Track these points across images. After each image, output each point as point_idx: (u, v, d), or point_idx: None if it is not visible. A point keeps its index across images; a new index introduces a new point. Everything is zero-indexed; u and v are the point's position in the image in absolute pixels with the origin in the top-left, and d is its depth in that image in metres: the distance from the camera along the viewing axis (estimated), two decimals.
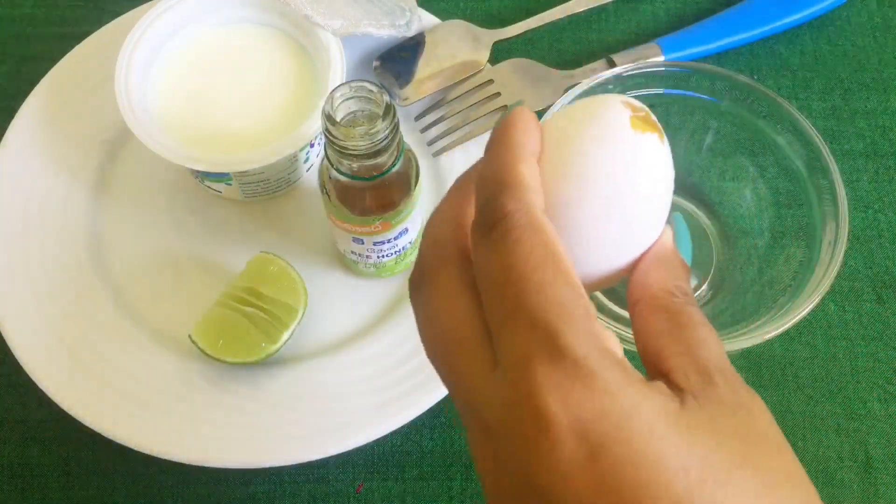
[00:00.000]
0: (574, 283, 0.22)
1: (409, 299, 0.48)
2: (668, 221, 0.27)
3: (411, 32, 0.53)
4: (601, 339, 0.22)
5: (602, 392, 0.21)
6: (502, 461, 0.22)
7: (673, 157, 0.28)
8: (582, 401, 0.20)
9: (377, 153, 0.38)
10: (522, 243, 0.22)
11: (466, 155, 0.52)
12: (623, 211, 0.25)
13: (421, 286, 0.25)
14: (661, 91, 0.42)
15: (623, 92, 0.40)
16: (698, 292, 0.47)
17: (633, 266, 0.26)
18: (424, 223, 0.44)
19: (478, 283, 0.23)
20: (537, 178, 0.24)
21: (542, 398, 0.21)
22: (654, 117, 0.26)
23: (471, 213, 0.25)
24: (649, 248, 0.26)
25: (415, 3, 0.54)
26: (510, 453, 0.22)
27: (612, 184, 0.25)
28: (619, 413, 0.21)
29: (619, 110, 0.25)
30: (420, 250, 0.26)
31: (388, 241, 0.44)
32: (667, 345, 0.23)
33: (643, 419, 0.21)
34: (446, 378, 0.24)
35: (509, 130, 0.25)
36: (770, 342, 0.45)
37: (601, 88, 0.39)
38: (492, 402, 0.22)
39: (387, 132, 0.37)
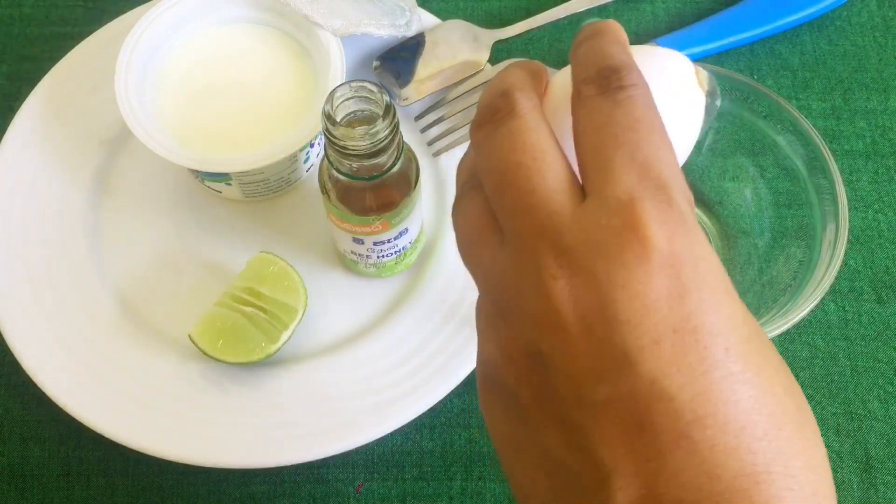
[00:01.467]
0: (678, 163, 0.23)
1: (408, 299, 0.49)
2: None
3: (411, 32, 0.53)
4: (694, 208, 0.23)
5: (697, 243, 0.22)
6: (578, 286, 0.21)
7: None
8: (680, 242, 0.21)
9: (377, 153, 0.38)
10: (647, 106, 0.23)
11: None
12: None
13: (501, 120, 0.24)
14: None
15: None
16: None
17: None
18: (424, 222, 0.44)
19: (581, 130, 0.23)
20: None
21: (646, 228, 0.21)
22: (707, 82, 0.28)
23: (540, 83, 0.26)
24: None
25: (415, 3, 0.54)
26: (593, 276, 0.21)
27: (671, 129, 0.26)
28: (709, 265, 0.22)
29: (687, 62, 0.27)
30: (491, 94, 0.25)
31: (388, 241, 0.44)
32: None
33: (726, 280, 0.22)
34: (520, 198, 0.23)
35: (615, 29, 0.26)
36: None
37: None
38: (580, 226, 0.22)
39: (387, 132, 0.37)
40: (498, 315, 0.24)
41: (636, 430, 0.21)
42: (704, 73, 0.27)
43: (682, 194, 0.22)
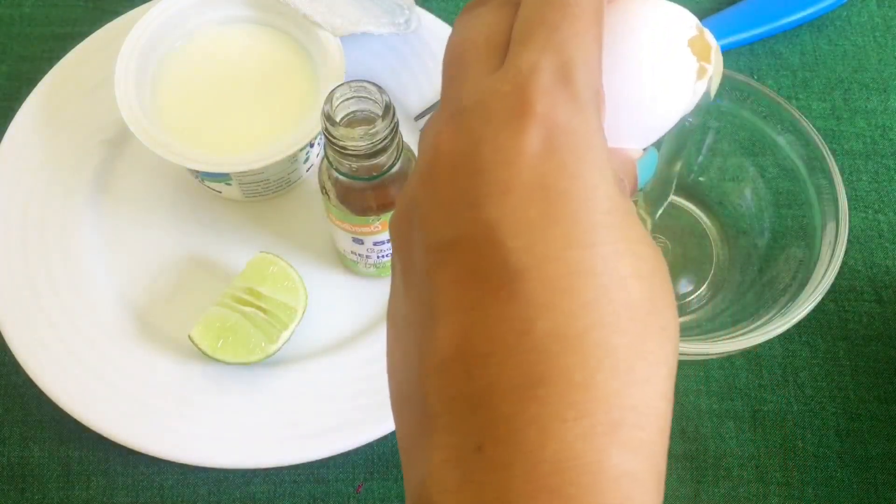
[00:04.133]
0: (601, 56, 0.23)
1: None
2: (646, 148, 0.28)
3: (410, 30, 0.53)
4: (601, 102, 0.23)
5: (581, 120, 0.21)
6: (456, 140, 0.22)
7: None
8: (563, 113, 0.21)
9: (377, 153, 0.38)
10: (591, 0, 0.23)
11: None
12: (625, 102, 0.26)
13: (467, 10, 0.25)
14: None
15: None
16: (698, 292, 0.47)
17: None
18: None
19: (523, 2, 0.24)
20: None
21: (532, 94, 0.21)
22: (714, 56, 0.26)
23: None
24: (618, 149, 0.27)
25: (412, 2, 0.54)
26: (471, 128, 0.22)
27: (632, 71, 0.25)
28: (587, 140, 0.21)
29: (690, 22, 0.26)
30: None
31: (388, 241, 0.44)
32: None
33: (602, 160, 0.21)
34: (449, 69, 0.24)
35: None
36: (770, 342, 0.45)
37: None
38: (479, 90, 0.22)
39: (386, 132, 0.37)
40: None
41: (468, 275, 0.21)
42: (707, 38, 0.26)
43: (586, 81, 0.22)
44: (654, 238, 0.49)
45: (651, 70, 0.25)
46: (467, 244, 0.21)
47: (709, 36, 0.26)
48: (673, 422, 0.47)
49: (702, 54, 0.26)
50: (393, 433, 0.44)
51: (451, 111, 0.23)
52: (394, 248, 0.24)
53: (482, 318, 0.21)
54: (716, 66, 0.27)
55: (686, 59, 0.26)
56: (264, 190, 0.50)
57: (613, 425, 0.20)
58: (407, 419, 0.22)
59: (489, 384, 0.20)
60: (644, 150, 0.27)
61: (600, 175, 0.21)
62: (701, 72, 0.26)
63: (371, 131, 0.37)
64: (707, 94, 0.27)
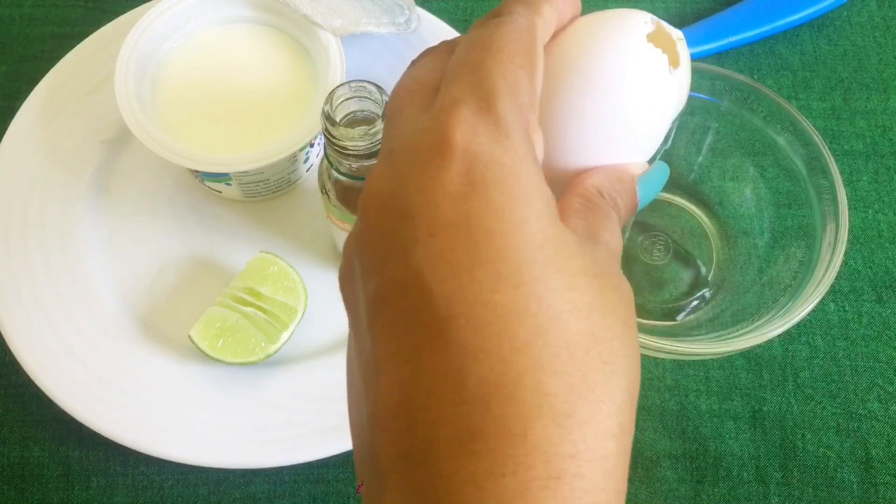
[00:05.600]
0: (534, 84, 0.22)
1: None
2: (651, 161, 0.27)
3: (411, 30, 0.53)
4: (532, 129, 0.22)
5: (505, 150, 0.21)
6: (384, 182, 0.22)
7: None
8: (485, 143, 0.21)
9: (377, 153, 0.38)
10: (512, 30, 0.23)
11: None
12: (603, 115, 0.25)
13: (412, 62, 0.26)
14: None
15: None
16: (699, 292, 0.47)
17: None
18: None
19: (455, 50, 0.24)
20: (553, 22, 0.25)
21: (452, 127, 0.21)
22: (679, 47, 0.26)
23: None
24: (614, 166, 0.26)
25: (412, 2, 0.54)
26: (398, 168, 0.21)
27: (600, 82, 0.25)
28: (512, 170, 0.21)
29: (642, 19, 0.26)
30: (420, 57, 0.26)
31: None
32: (569, 216, 0.24)
33: (530, 190, 0.21)
34: (384, 124, 0.24)
35: None
36: (770, 342, 0.45)
37: None
38: (407, 129, 0.22)
39: None
40: None
41: (402, 326, 0.20)
42: (667, 29, 0.26)
43: (510, 107, 0.21)
44: (655, 237, 0.49)
45: (622, 77, 0.25)
46: (399, 294, 0.20)
47: (668, 27, 0.26)
48: (673, 421, 0.48)
49: (666, 46, 0.26)
50: None
51: (383, 153, 0.23)
52: (342, 299, 0.24)
53: (419, 371, 0.20)
54: (683, 55, 0.26)
55: (649, 54, 0.25)
56: (264, 190, 0.50)
57: (551, 478, 0.19)
58: (365, 472, 0.22)
59: (429, 440, 0.20)
60: (650, 164, 0.27)
61: (528, 207, 0.20)
62: (672, 62, 0.26)
63: (371, 131, 0.37)
64: (684, 82, 0.26)
